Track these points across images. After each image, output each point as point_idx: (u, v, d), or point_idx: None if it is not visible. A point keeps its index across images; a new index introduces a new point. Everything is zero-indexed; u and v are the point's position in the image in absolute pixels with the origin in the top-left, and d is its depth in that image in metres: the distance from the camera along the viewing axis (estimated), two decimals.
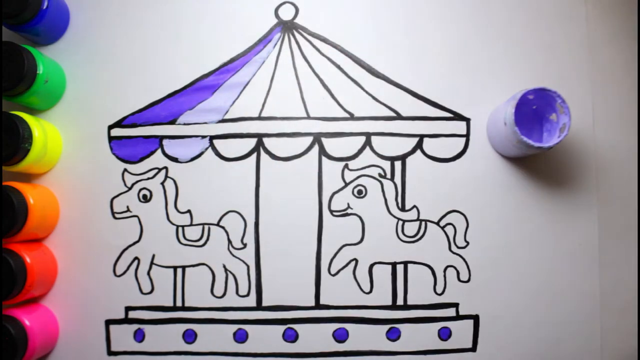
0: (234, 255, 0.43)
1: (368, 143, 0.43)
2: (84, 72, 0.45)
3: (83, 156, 0.45)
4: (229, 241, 0.43)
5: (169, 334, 0.43)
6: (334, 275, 0.43)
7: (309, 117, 0.44)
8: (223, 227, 0.43)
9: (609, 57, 0.44)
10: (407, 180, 0.43)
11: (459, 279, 0.42)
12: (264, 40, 0.45)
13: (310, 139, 0.43)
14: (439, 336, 0.42)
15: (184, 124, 0.44)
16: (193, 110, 0.44)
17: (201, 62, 0.45)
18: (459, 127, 0.43)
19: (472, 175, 0.43)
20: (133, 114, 0.45)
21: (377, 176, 0.43)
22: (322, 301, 0.43)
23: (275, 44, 0.45)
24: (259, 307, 0.43)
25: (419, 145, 0.43)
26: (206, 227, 0.43)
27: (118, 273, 0.44)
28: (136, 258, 0.44)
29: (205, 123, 0.44)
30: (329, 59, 0.44)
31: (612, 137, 0.43)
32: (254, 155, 0.44)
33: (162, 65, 0.45)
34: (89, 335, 0.43)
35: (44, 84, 0.42)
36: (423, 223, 0.43)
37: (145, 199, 0.44)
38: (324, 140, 0.43)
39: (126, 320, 0.43)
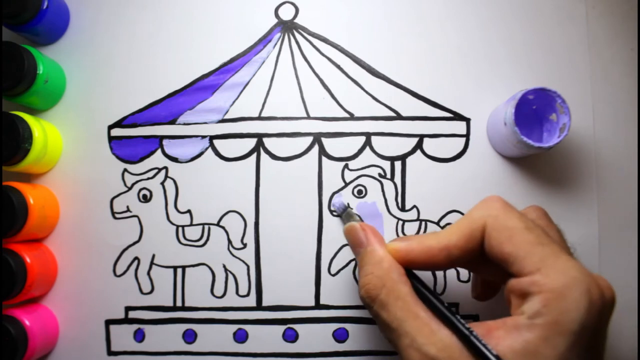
0: (234, 255, 0.43)
1: (368, 143, 0.43)
2: (84, 72, 0.45)
3: (83, 156, 0.45)
4: (229, 241, 0.43)
5: (169, 334, 0.43)
6: (334, 275, 0.43)
7: (309, 117, 0.44)
8: (223, 227, 0.43)
9: (609, 57, 0.44)
10: (407, 180, 0.43)
11: (459, 279, 0.42)
12: (263, 40, 0.45)
13: (310, 139, 0.43)
14: None
15: (184, 124, 0.44)
16: (193, 110, 0.44)
17: (201, 62, 0.45)
18: (459, 127, 0.43)
19: (472, 175, 0.43)
20: (133, 114, 0.45)
21: (377, 176, 0.43)
22: (322, 301, 0.43)
23: (275, 44, 0.45)
24: (259, 307, 0.43)
25: (419, 145, 0.43)
26: (206, 227, 0.43)
27: (118, 273, 0.44)
28: (136, 258, 0.44)
29: (205, 123, 0.44)
30: (329, 59, 0.44)
31: (612, 137, 0.43)
32: (254, 155, 0.44)
33: (162, 65, 0.45)
34: (89, 335, 0.43)
35: (44, 84, 0.42)
36: (423, 223, 0.43)
37: (145, 199, 0.44)
38: (324, 140, 0.43)
39: (126, 320, 0.43)
